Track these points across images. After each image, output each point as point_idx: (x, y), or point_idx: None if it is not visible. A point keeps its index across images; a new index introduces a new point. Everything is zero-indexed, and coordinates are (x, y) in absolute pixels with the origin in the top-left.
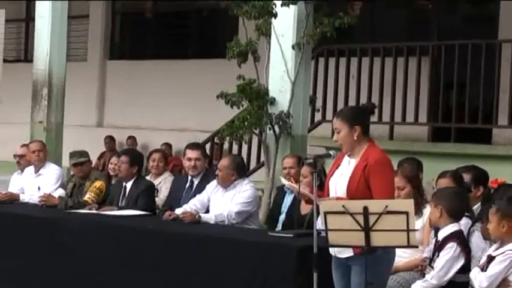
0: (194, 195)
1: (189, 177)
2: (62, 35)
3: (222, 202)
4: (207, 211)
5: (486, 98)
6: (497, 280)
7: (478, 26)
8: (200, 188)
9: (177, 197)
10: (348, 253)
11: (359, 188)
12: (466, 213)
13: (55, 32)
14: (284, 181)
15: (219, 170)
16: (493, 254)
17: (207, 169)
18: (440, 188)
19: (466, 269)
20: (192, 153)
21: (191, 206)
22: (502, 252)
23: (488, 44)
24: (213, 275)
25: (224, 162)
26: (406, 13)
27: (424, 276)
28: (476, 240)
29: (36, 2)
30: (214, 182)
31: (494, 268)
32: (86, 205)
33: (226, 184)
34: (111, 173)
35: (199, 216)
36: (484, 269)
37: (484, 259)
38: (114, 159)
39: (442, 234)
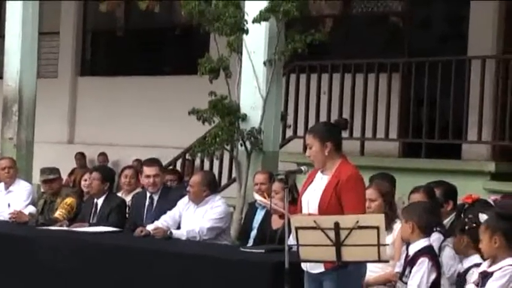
0: (156, 212)
1: (148, 194)
2: (32, 51)
3: (193, 218)
4: (179, 227)
5: (456, 114)
6: None
7: (448, 43)
8: (161, 204)
9: (138, 214)
10: (319, 268)
11: (330, 204)
12: (438, 228)
13: (25, 48)
14: (257, 196)
15: (191, 187)
16: (489, 270)
17: (165, 184)
18: (411, 203)
19: (437, 284)
20: (149, 170)
21: (162, 222)
22: (500, 268)
23: (458, 60)
24: None
25: (196, 178)
26: (377, 30)
27: None
28: (446, 256)
29: (7, 18)
30: (185, 198)
31: (495, 284)
32: (56, 222)
33: (198, 200)
34: (85, 189)
35: (171, 232)
36: (479, 285)
37: (476, 275)
38: (86, 176)
39: (413, 249)
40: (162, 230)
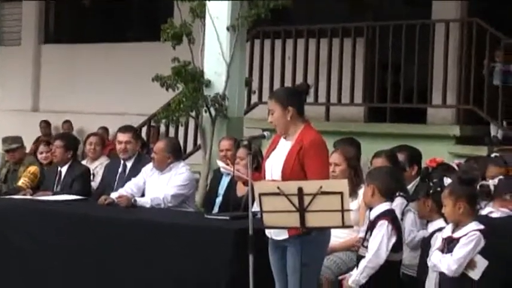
0: (128, 179)
1: (122, 161)
2: None
3: (157, 185)
4: (143, 195)
5: (421, 78)
6: (465, 262)
7: (412, 7)
8: (133, 172)
9: (110, 181)
10: (283, 235)
11: (293, 171)
12: (401, 193)
13: None
14: (220, 163)
15: (155, 153)
16: (454, 235)
17: (139, 152)
18: (374, 168)
19: (397, 248)
20: (122, 136)
21: (127, 189)
22: (465, 234)
23: (422, 24)
24: (148, 259)
25: (160, 145)
26: None
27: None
28: (408, 221)
29: None
30: (149, 165)
31: (462, 251)
32: (20, 190)
33: (162, 167)
34: (43, 162)
35: (135, 200)
36: (444, 251)
37: (439, 241)
38: (42, 148)
39: (374, 213)
40: (126, 197)
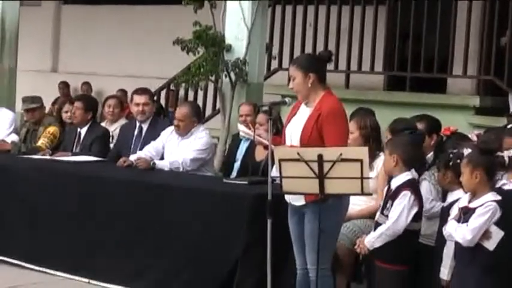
0: (144, 142)
1: (137, 124)
2: None
3: (177, 149)
4: (162, 158)
5: (441, 48)
6: (481, 232)
7: None
8: (149, 134)
9: (126, 143)
10: (301, 201)
11: (312, 138)
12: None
13: None
14: (241, 127)
15: (180, 120)
16: (470, 205)
17: (154, 115)
18: (396, 137)
19: (418, 217)
20: (139, 99)
21: (146, 152)
22: (482, 204)
23: None
24: (167, 222)
25: (184, 110)
26: None
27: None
28: (423, 190)
29: None
30: (169, 129)
31: (477, 221)
32: (39, 151)
33: (186, 133)
34: (67, 121)
35: (154, 163)
36: (460, 221)
37: (456, 211)
38: (67, 107)
39: (396, 183)
40: (145, 160)
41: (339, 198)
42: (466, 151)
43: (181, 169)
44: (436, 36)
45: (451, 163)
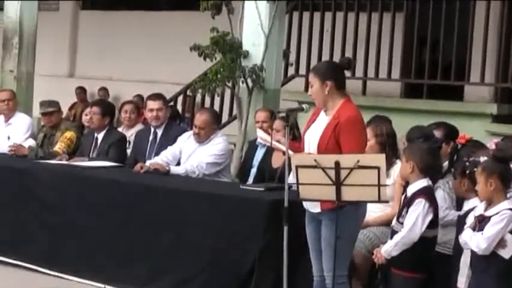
0: (159, 147)
1: (152, 129)
2: None
3: (194, 155)
4: (179, 163)
5: (459, 55)
6: (496, 241)
7: None
8: (164, 139)
9: (141, 149)
10: (317, 208)
11: (329, 146)
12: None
13: None
14: (260, 133)
15: (201, 128)
16: (486, 214)
17: (169, 120)
18: (413, 143)
19: (434, 224)
20: (153, 104)
21: (162, 158)
22: (497, 213)
23: (463, 0)
24: (184, 228)
25: (204, 117)
26: None
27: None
28: (437, 198)
29: None
30: (186, 135)
31: (492, 229)
32: (56, 155)
33: (206, 140)
34: (86, 124)
35: (169, 168)
36: (475, 229)
37: (471, 219)
38: (87, 110)
39: (411, 190)
40: (160, 165)
41: (355, 205)
42: (483, 159)
43: (196, 173)
44: (454, 44)
45: (467, 171)
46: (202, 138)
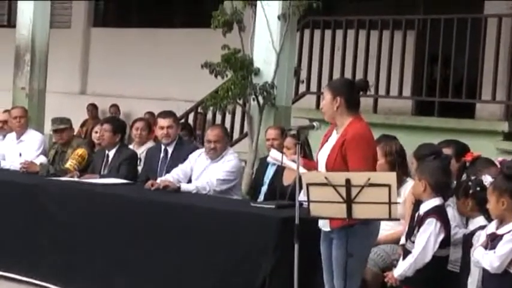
0: (170, 164)
1: (163, 147)
2: (45, 1)
3: (206, 173)
4: (190, 181)
5: (470, 73)
6: (508, 259)
7: (464, 1)
8: (175, 156)
9: (152, 166)
10: (328, 227)
11: (336, 163)
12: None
13: None
14: (273, 153)
15: (216, 142)
16: (498, 232)
17: (180, 137)
18: (425, 162)
19: (446, 243)
20: (164, 122)
21: (173, 175)
22: (509, 231)
23: (474, 18)
24: (195, 245)
25: (217, 131)
26: None
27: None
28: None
29: None
30: (197, 152)
31: (505, 247)
32: (67, 172)
33: (219, 154)
34: (96, 141)
35: (180, 185)
36: (487, 247)
37: (483, 237)
38: (97, 128)
39: (424, 208)
40: (171, 182)
41: (366, 224)
42: (485, 178)
43: (207, 189)
44: (465, 61)
45: (470, 191)
46: (218, 151)
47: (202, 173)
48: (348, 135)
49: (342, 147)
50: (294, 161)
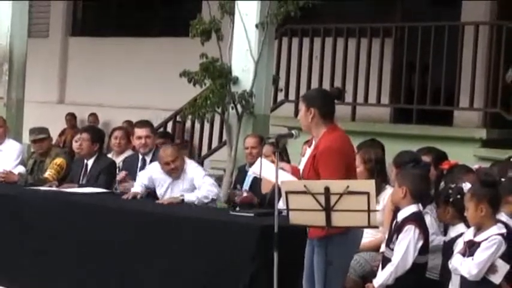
0: None
1: (140, 156)
2: (23, 10)
3: (172, 193)
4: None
5: (448, 80)
6: (486, 266)
7: (441, 8)
8: None
9: (130, 176)
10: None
11: (310, 176)
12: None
13: (16, 7)
14: (266, 161)
15: (173, 161)
16: (476, 239)
17: (157, 146)
18: (405, 169)
19: (425, 250)
20: (141, 131)
21: (140, 184)
22: (487, 238)
23: (451, 26)
24: (174, 254)
25: (171, 150)
26: None
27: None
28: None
29: None
30: (156, 165)
31: (482, 255)
32: (46, 182)
33: (180, 172)
34: (76, 150)
35: (183, 199)
36: (465, 255)
37: (461, 244)
38: (77, 137)
39: (402, 215)
40: (174, 198)
41: (345, 233)
42: (465, 185)
43: (210, 196)
44: (443, 69)
45: (451, 199)
46: (179, 169)
47: (167, 191)
48: (319, 148)
49: (314, 160)
50: (282, 168)
